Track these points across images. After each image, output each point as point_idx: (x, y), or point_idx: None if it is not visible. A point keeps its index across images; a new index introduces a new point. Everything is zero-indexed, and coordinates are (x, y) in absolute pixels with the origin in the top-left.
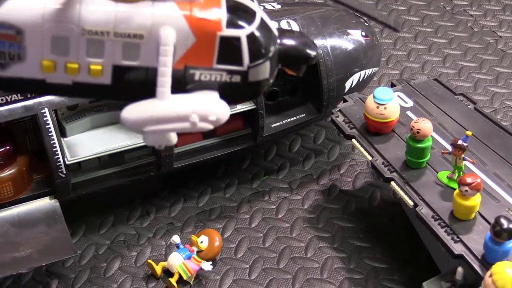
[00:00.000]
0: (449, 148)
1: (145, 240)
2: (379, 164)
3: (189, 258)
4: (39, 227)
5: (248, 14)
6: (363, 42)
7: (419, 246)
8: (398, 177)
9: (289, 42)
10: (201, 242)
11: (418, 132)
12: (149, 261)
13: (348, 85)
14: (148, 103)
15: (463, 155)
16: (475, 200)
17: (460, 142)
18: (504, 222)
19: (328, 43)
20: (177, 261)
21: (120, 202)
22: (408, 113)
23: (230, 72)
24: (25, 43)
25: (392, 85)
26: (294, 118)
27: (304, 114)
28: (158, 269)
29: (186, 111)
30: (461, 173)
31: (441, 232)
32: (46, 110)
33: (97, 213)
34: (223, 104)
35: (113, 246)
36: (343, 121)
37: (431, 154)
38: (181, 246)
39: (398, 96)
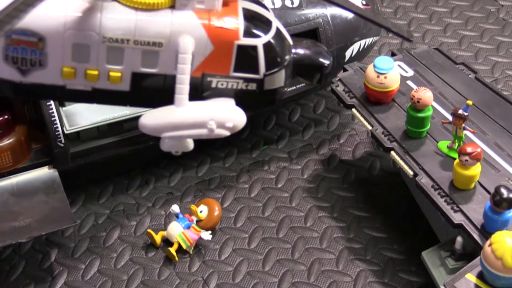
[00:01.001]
0: (450, 117)
1: (145, 209)
2: (379, 134)
3: (188, 227)
4: (38, 197)
5: (264, 24)
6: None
7: (419, 215)
8: (398, 146)
9: (303, 51)
10: (201, 212)
11: (418, 102)
12: (149, 230)
13: (348, 54)
14: (166, 109)
15: (463, 125)
16: (475, 170)
17: (460, 111)
18: (504, 191)
19: (328, 12)
20: (176, 231)
21: (119, 172)
22: (409, 82)
23: (246, 80)
24: (46, 50)
25: (393, 54)
26: (294, 87)
27: (303, 84)
28: (158, 238)
29: (204, 117)
30: (462, 142)
31: (440, 201)
32: None
33: (96, 183)
34: (240, 111)
35: (113, 216)
36: (343, 90)
37: (431, 124)
38: (181, 216)
39: (399, 65)
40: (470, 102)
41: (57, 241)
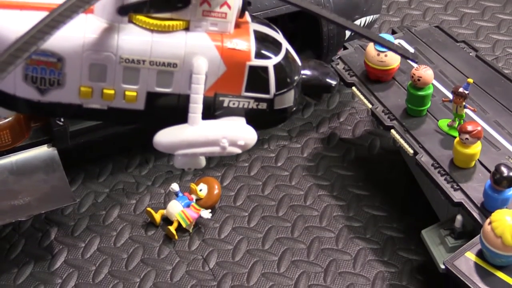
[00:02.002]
0: (450, 95)
1: (144, 188)
2: (379, 112)
3: (188, 206)
4: (38, 175)
5: (274, 45)
6: None
7: (419, 194)
8: (398, 125)
9: (311, 72)
10: (200, 190)
11: (419, 80)
12: (148, 209)
13: (348, 32)
14: (180, 128)
15: (464, 103)
16: (476, 148)
17: (461, 89)
18: (504, 170)
19: None
20: (176, 209)
21: (119, 150)
22: (409, 60)
23: (257, 100)
24: (65, 70)
25: (393, 32)
26: None
27: None
28: (157, 217)
29: (217, 136)
30: (462, 121)
31: (440, 180)
32: None
33: (96, 162)
34: (251, 130)
35: (112, 194)
36: (343, 68)
37: (431, 102)
38: (180, 194)
39: (399, 43)
40: (470, 80)
41: (57, 220)
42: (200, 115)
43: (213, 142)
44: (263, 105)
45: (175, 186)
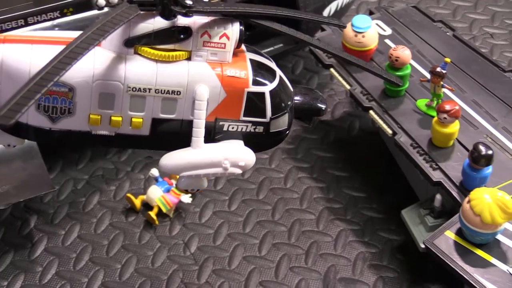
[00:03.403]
0: (428, 75)
1: (124, 174)
2: (357, 93)
3: (168, 191)
4: (16, 163)
5: (269, 73)
6: None
7: (398, 174)
8: (377, 105)
9: (302, 97)
10: None
11: (396, 60)
12: (128, 195)
13: (325, 13)
14: (184, 151)
15: (441, 82)
16: (454, 127)
17: (438, 69)
18: (482, 148)
19: None
20: (156, 194)
21: None
22: (387, 41)
23: (254, 124)
24: (75, 99)
25: (370, 13)
26: (272, 48)
27: (282, 44)
28: (137, 202)
29: (219, 158)
30: (440, 100)
31: (419, 159)
32: None
33: (74, 148)
34: (250, 151)
35: (92, 181)
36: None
37: (409, 82)
38: (160, 179)
39: (377, 24)
40: (448, 60)
41: (36, 208)
42: (202, 139)
43: (215, 164)
44: (260, 129)
45: (154, 172)
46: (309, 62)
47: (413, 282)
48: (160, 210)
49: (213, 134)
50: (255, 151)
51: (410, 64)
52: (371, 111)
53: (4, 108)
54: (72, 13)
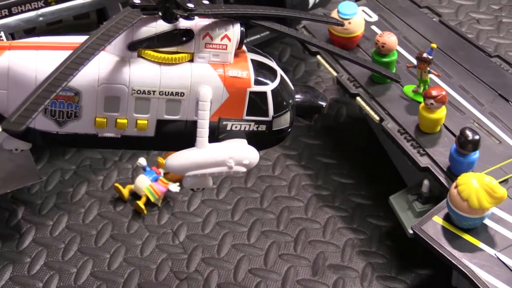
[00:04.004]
0: (414, 61)
1: (111, 163)
2: (344, 80)
3: (156, 180)
4: (2, 154)
5: (270, 72)
6: None
7: (386, 161)
8: (364, 92)
9: (303, 95)
10: None
11: (383, 46)
12: (116, 184)
13: (312, 0)
14: (189, 151)
15: (428, 68)
16: (441, 113)
17: (425, 55)
18: (469, 133)
19: None
20: (144, 184)
21: None
22: (373, 27)
23: (257, 122)
24: (81, 103)
25: (357, 0)
26: (258, 36)
27: (268, 32)
28: (125, 192)
29: (224, 157)
30: (427, 86)
31: (407, 145)
32: (2, 34)
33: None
34: (254, 150)
35: (79, 171)
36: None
37: (396, 68)
38: (148, 169)
39: (363, 10)
40: (434, 46)
41: (24, 198)
42: (207, 139)
43: (220, 163)
44: (263, 127)
45: (142, 161)
46: (296, 50)
47: (402, 267)
48: (148, 199)
49: (217, 134)
50: (258, 149)
51: (397, 50)
52: (358, 98)
53: (14, 115)
54: (57, 3)
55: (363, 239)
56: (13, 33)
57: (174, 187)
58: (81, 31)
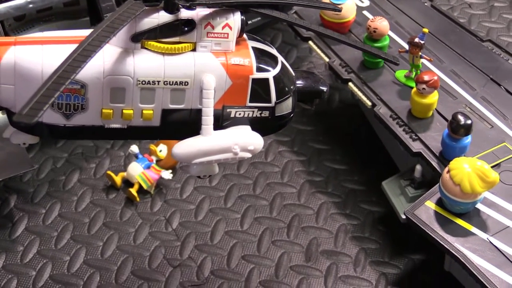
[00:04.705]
0: (406, 46)
1: (103, 151)
2: (336, 66)
3: (148, 167)
4: None
5: (271, 59)
6: None
7: (378, 146)
8: (356, 77)
9: (304, 81)
10: (160, 151)
11: (374, 31)
12: (108, 172)
13: None
14: (195, 139)
15: (420, 53)
16: (433, 98)
17: (417, 40)
18: (461, 118)
19: None
20: (136, 171)
21: None
22: (365, 12)
23: (260, 109)
24: (88, 95)
25: None
26: (249, 22)
27: (259, 18)
28: (118, 180)
29: (229, 143)
30: (419, 71)
31: (399, 131)
32: None
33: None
34: (258, 135)
35: (71, 159)
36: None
37: (388, 53)
38: (140, 156)
39: None
40: (426, 30)
41: (16, 187)
42: (212, 126)
43: (226, 149)
44: (266, 113)
45: (134, 148)
46: (288, 36)
47: (395, 252)
48: (141, 186)
49: (221, 121)
50: (262, 134)
51: (388, 35)
52: (350, 83)
53: (25, 108)
54: None
55: (356, 225)
56: (3, 21)
57: (167, 174)
58: (71, 18)
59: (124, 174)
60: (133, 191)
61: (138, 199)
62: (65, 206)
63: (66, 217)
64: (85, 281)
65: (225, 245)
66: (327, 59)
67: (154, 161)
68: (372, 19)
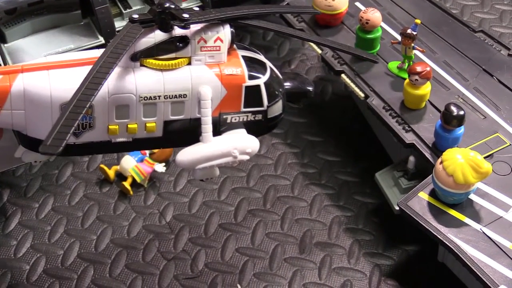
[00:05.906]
0: (399, 37)
1: None
2: (329, 57)
3: (141, 160)
4: None
5: (261, 66)
6: None
7: (371, 138)
8: (349, 69)
9: (291, 82)
10: None
11: (367, 23)
12: (102, 165)
13: None
14: (196, 146)
15: (412, 44)
16: (425, 89)
17: (409, 31)
18: (454, 109)
19: None
20: (129, 164)
21: None
22: (357, 4)
23: (254, 113)
24: (95, 114)
25: None
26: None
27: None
28: (111, 173)
29: (229, 148)
30: (411, 62)
31: (392, 122)
32: None
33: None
34: (254, 138)
35: None
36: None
37: (380, 45)
38: None
39: None
40: (418, 21)
41: (9, 181)
42: (211, 133)
43: (226, 154)
44: (259, 116)
45: None
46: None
47: (389, 244)
48: (134, 180)
49: (218, 127)
50: (256, 136)
51: (381, 27)
52: (343, 75)
53: (48, 139)
54: None
55: (350, 216)
56: None
57: (160, 168)
58: (62, 11)
59: (117, 167)
60: (127, 184)
61: (131, 192)
62: (58, 200)
63: (59, 211)
64: (79, 274)
65: (219, 237)
66: (319, 51)
67: (148, 154)
68: (365, 11)
